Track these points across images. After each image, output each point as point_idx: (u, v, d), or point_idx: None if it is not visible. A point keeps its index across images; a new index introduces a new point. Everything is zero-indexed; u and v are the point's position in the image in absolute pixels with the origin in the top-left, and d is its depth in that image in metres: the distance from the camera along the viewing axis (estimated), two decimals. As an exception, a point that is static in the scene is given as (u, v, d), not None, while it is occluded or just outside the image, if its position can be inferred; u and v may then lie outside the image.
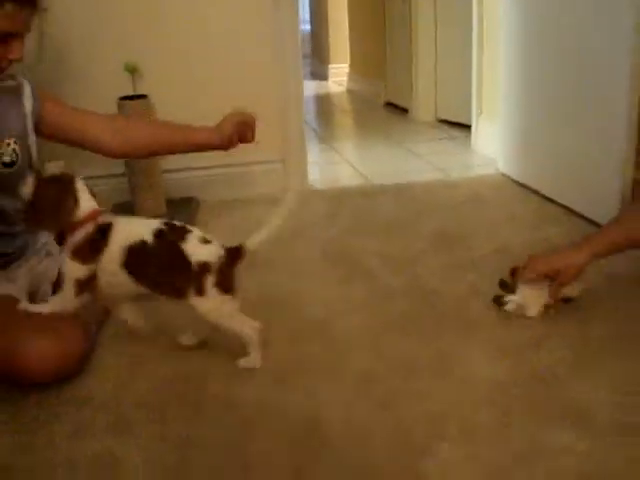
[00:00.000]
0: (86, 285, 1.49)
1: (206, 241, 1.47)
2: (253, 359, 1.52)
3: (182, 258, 1.44)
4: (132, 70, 2.45)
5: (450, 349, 1.57)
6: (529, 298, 1.70)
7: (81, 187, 1.50)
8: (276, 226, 1.50)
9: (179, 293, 1.46)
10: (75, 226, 1.47)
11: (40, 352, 1.42)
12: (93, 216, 1.49)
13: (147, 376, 1.52)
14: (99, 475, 1.21)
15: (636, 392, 1.38)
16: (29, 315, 1.49)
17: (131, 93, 2.45)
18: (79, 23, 2.52)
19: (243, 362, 1.52)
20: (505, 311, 1.71)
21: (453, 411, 1.34)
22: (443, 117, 4.29)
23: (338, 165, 3.45)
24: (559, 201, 2.53)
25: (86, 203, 1.49)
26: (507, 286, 1.76)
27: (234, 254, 1.48)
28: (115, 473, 1.21)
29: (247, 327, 1.50)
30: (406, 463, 1.20)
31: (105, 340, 1.68)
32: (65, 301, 1.50)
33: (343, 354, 1.58)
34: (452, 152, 3.57)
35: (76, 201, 1.47)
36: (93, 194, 1.53)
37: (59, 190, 1.48)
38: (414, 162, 3.41)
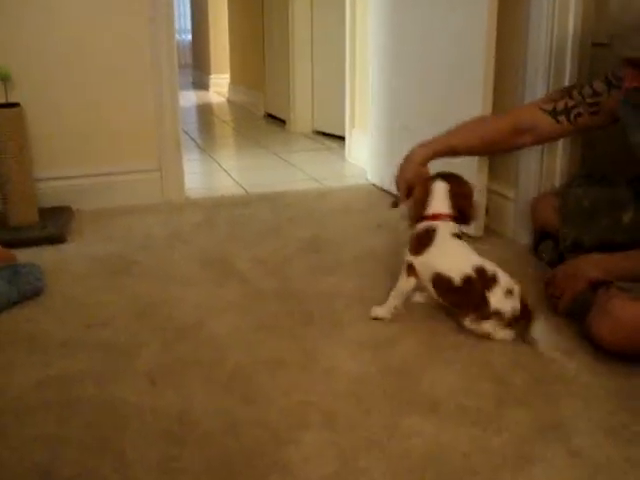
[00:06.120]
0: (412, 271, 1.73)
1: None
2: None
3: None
4: (4, 77, 2.40)
5: (315, 345, 1.67)
6: None
7: (439, 188, 1.71)
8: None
9: None
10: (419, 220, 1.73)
11: None
12: (434, 217, 1.70)
13: (19, 380, 1.52)
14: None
15: (479, 377, 1.53)
16: None
17: (3, 101, 2.41)
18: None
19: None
20: None
21: (316, 402, 1.44)
22: (320, 129, 4.44)
23: (216, 175, 3.50)
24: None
25: (437, 203, 1.69)
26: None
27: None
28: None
29: None
30: (271, 452, 1.28)
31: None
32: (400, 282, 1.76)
33: (214, 353, 1.64)
34: (327, 162, 3.71)
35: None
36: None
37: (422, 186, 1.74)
38: (290, 171, 3.52)
